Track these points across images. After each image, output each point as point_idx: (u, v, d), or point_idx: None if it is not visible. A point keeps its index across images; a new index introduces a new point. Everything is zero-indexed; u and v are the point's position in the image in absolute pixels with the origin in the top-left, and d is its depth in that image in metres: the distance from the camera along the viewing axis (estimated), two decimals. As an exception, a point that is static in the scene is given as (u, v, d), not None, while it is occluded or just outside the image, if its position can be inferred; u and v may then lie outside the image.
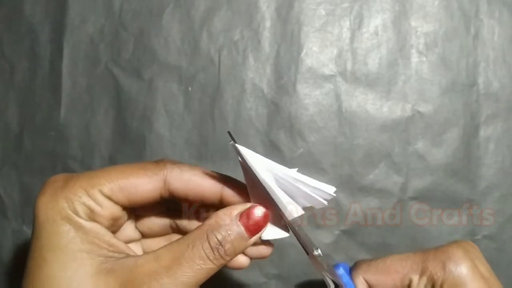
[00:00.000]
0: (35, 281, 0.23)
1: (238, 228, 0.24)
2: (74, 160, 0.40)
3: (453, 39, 0.40)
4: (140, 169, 0.25)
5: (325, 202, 0.26)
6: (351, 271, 0.30)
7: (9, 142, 0.40)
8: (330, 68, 0.40)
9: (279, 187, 0.25)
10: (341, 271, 0.30)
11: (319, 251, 0.27)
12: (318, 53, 0.40)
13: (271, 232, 0.26)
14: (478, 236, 0.39)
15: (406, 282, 0.28)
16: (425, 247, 0.39)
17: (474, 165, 0.40)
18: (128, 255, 0.24)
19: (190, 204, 0.27)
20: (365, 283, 0.29)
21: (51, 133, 0.40)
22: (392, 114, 0.40)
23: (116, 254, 0.23)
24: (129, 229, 0.28)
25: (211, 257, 0.23)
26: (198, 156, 0.39)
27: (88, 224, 0.23)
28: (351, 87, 0.40)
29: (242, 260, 0.27)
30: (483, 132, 0.40)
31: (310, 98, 0.40)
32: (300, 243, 0.27)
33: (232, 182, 0.26)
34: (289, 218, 0.25)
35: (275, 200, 0.24)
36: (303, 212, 0.26)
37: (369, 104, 0.40)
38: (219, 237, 0.23)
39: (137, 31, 0.40)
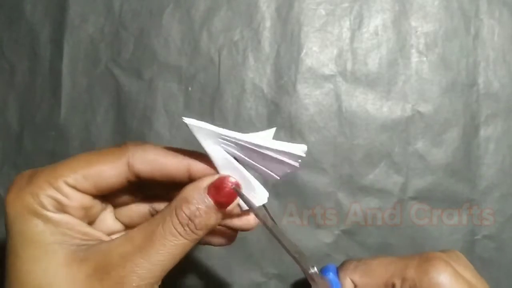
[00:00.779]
0: (12, 278, 0.23)
1: (207, 202, 0.23)
2: (74, 160, 0.40)
3: (453, 39, 0.40)
4: (103, 155, 0.24)
5: (297, 165, 0.24)
6: (338, 270, 0.31)
7: (9, 142, 0.40)
8: (330, 68, 0.40)
9: (244, 161, 0.24)
10: (330, 276, 0.30)
11: (315, 269, 0.26)
12: (318, 53, 0.40)
13: (249, 199, 0.25)
14: (478, 236, 0.39)
15: (389, 286, 0.29)
16: (425, 247, 0.39)
17: (474, 165, 0.40)
18: (102, 241, 0.23)
19: (159, 185, 0.26)
20: (352, 285, 0.30)
21: (51, 133, 0.40)
22: (392, 114, 0.40)
23: (90, 242, 0.23)
24: (108, 220, 0.27)
25: (182, 233, 0.23)
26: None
27: (57, 216, 0.23)
28: (351, 87, 0.40)
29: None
30: (483, 132, 0.40)
31: (310, 98, 0.40)
32: (295, 262, 0.26)
33: (199, 156, 0.25)
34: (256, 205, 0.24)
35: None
36: (266, 198, 0.25)
37: (369, 104, 0.40)
38: (187, 212, 0.23)
39: (137, 31, 0.40)
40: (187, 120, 0.23)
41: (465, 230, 0.39)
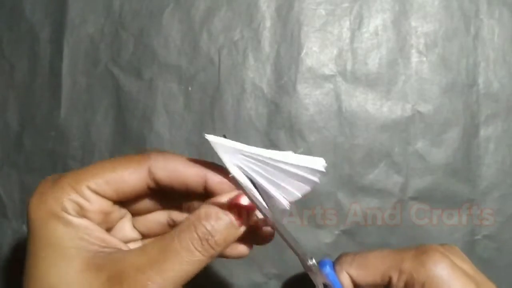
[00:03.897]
0: (31, 279, 0.23)
1: (227, 217, 0.23)
2: (74, 160, 0.40)
3: (453, 39, 0.40)
4: (125, 161, 0.25)
5: (317, 180, 0.25)
6: (334, 264, 0.31)
7: (9, 142, 0.40)
8: (330, 68, 0.40)
9: (262, 177, 0.24)
10: (327, 270, 0.30)
11: (314, 260, 0.26)
12: (318, 53, 0.40)
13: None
14: (478, 236, 0.39)
15: (386, 279, 0.28)
16: (425, 247, 0.39)
17: (474, 165, 0.40)
18: (118, 250, 0.24)
19: (177, 194, 0.27)
20: (349, 278, 0.30)
21: (51, 133, 0.40)
22: (392, 114, 0.40)
23: (107, 249, 0.23)
24: (126, 228, 0.28)
25: (199, 248, 0.23)
26: (198, 156, 0.39)
27: (78, 221, 0.23)
28: (351, 87, 0.40)
29: (241, 249, 0.27)
30: (483, 132, 0.40)
31: (310, 98, 0.40)
32: (294, 253, 0.26)
33: (217, 168, 0.25)
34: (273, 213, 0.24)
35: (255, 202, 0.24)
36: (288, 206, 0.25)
37: (369, 104, 0.40)
38: (208, 227, 0.23)
39: (137, 31, 0.40)
40: (208, 137, 0.24)
41: (465, 230, 0.39)
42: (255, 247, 0.37)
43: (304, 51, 0.40)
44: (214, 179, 0.25)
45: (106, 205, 0.25)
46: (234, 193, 0.24)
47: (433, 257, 0.27)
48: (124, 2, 0.40)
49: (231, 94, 0.40)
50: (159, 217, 0.28)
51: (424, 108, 0.40)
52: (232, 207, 0.23)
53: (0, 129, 0.40)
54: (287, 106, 0.40)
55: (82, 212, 0.24)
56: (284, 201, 0.25)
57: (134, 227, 0.28)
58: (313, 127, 0.40)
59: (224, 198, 0.24)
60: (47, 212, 0.23)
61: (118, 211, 0.27)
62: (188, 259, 0.22)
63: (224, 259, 0.27)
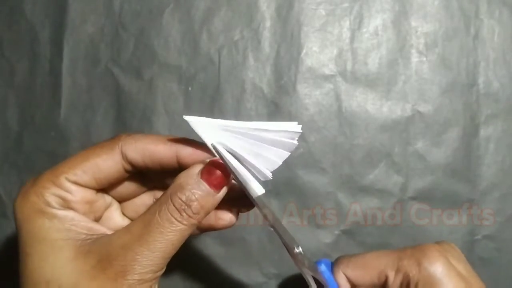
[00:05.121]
0: (25, 276, 0.24)
1: (201, 186, 0.24)
2: (74, 160, 0.40)
3: (453, 39, 0.40)
4: (98, 148, 0.25)
5: (295, 142, 0.25)
6: (332, 266, 0.31)
7: (9, 142, 0.40)
8: (330, 68, 0.40)
9: (243, 149, 0.25)
10: (322, 267, 0.30)
11: (300, 248, 0.27)
12: (318, 53, 0.40)
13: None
14: (478, 236, 0.39)
15: (383, 278, 0.29)
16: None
17: (474, 165, 0.40)
18: (105, 235, 0.24)
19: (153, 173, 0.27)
20: (345, 278, 0.30)
21: (51, 133, 0.40)
22: (392, 114, 0.40)
23: (94, 237, 0.24)
24: (116, 217, 0.28)
25: (179, 219, 0.23)
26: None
27: (62, 213, 0.24)
28: (351, 87, 0.40)
29: (228, 217, 0.28)
30: (483, 132, 0.40)
31: (310, 98, 0.40)
32: (281, 240, 0.27)
33: (187, 142, 0.26)
34: (254, 196, 0.25)
35: (238, 178, 0.24)
36: (263, 191, 0.25)
37: (369, 104, 0.40)
38: (183, 198, 0.23)
39: (137, 31, 0.40)
40: (187, 117, 0.24)
41: (465, 230, 0.39)
42: (255, 247, 0.38)
43: (304, 51, 0.40)
44: (185, 152, 0.25)
45: (89, 194, 0.25)
46: (206, 161, 0.25)
47: (429, 256, 0.28)
48: (124, 2, 0.40)
49: (231, 94, 0.40)
50: (145, 199, 0.29)
51: (424, 108, 0.40)
52: (206, 175, 0.24)
53: (0, 129, 0.40)
54: (287, 106, 0.40)
55: (66, 204, 0.24)
56: (266, 172, 0.25)
57: (124, 214, 0.29)
58: (313, 127, 0.40)
59: (197, 168, 0.24)
60: (32, 209, 0.24)
61: (103, 199, 0.27)
62: (170, 229, 0.23)
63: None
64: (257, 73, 0.40)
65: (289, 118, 0.39)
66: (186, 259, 0.39)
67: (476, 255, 0.39)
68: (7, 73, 0.40)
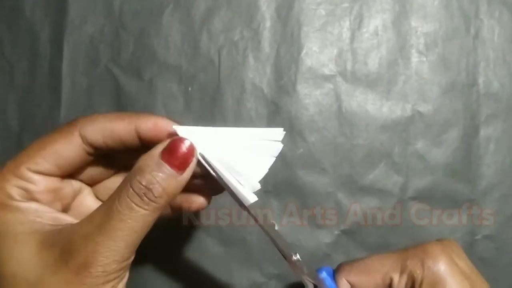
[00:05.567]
0: None
1: (163, 167, 0.22)
2: (74, 160, 0.40)
3: (453, 39, 0.40)
4: (56, 133, 0.24)
5: (279, 148, 0.25)
6: (334, 273, 0.30)
7: (9, 142, 0.40)
8: (330, 68, 0.40)
9: (230, 159, 0.24)
10: (323, 275, 0.29)
11: (298, 256, 0.26)
12: (318, 53, 0.40)
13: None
14: (478, 236, 0.39)
15: (387, 281, 0.28)
16: (425, 247, 0.39)
17: (474, 165, 0.40)
18: (69, 225, 0.23)
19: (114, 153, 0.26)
20: (348, 285, 0.29)
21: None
22: (392, 114, 0.40)
23: (59, 227, 0.23)
24: (89, 201, 0.27)
25: (140, 204, 0.22)
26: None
27: (25, 205, 0.23)
28: (351, 87, 0.40)
29: (199, 200, 0.26)
30: (483, 132, 0.40)
31: (310, 98, 0.40)
32: (277, 249, 0.26)
33: (147, 117, 0.24)
34: (246, 205, 0.24)
35: (231, 188, 0.24)
36: (256, 198, 0.24)
37: (369, 104, 0.40)
38: (143, 182, 0.22)
39: (137, 31, 0.40)
40: (175, 127, 0.23)
41: (465, 230, 0.39)
42: (255, 247, 0.37)
43: (304, 51, 0.40)
44: (145, 127, 0.24)
45: (53, 182, 0.24)
46: (166, 141, 0.23)
47: (432, 254, 0.27)
48: (124, 2, 0.40)
49: (231, 94, 0.40)
50: (117, 181, 0.27)
51: (424, 108, 0.40)
52: (167, 156, 0.22)
53: (0, 129, 0.40)
54: (287, 106, 0.40)
55: (28, 195, 0.23)
56: (254, 182, 0.25)
57: (98, 198, 0.28)
58: (313, 127, 0.40)
59: (159, 148, 0.23)
60: None
61: (70, 185, 0.26)
62: (131, 216, 0.22)
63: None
64: (257, 73, 0.40)
65: (289, 118, 0.39)
66: (185, 259, 0.39)
67: (476, 255, 0.39)
68: (7, 73, 0.40)
